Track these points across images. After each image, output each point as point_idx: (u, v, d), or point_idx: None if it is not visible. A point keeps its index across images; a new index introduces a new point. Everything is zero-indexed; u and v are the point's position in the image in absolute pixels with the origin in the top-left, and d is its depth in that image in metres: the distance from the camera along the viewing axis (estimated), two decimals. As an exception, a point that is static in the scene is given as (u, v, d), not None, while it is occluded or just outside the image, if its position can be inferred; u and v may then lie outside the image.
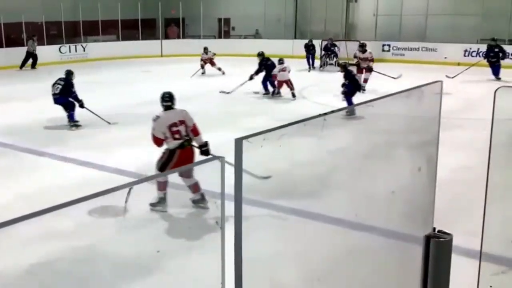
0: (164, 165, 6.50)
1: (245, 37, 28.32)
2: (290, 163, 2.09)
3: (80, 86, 17.20)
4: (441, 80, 2.70)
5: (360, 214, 2.10)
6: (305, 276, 2.24)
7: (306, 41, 22.07)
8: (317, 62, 21.34)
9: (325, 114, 1.99)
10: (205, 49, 20.49)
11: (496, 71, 17.85)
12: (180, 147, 6.41)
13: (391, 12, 25.03)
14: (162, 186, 6.45)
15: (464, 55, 22.57)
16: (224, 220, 1.71)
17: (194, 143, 6.54)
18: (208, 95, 15.35)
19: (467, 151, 9.03)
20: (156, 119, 6.55)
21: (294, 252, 2.32)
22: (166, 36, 28.85)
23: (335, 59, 21.37)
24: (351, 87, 12.23)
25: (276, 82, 15.10)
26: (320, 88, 17.01)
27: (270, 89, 15.28)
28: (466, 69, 17.02)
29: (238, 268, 1.50)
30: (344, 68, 12.70)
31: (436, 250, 2.07)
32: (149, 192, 6.31)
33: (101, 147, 9.82)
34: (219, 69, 20.00)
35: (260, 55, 15.68)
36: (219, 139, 6.56)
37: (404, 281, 2.16)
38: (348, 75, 12.46)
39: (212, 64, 20.06)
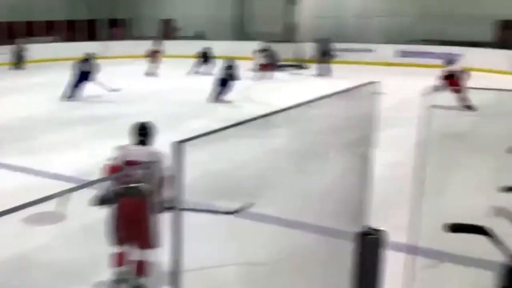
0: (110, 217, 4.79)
1: (191, 38, 28.10)
2: (230, 164, 2.10)
3: (24, 87, 16.81)
4: (378, 80, 2.77)
5: (298, 213, 2.13)
6: (245, 274, 2.25)
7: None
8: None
9: (264, 116, 2.00)
10: (155, 43, 20.60)
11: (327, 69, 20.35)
12: (126, 194, 4.69)
13: (330, 13, 25.40)
14: (118, 260, 4.75)
15: (400, 55, 23.22)
16: (161, 225, 1.71)
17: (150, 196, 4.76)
18: (150, 96, 15.20)
19: (400, 148, 9.17)
20: (120, 149, 5.04)
21: (234, 252, 2.33)
22: (111, 37, 28.29)
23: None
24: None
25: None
26: (262, 89, 17.15)
27: (86, 94, 14.58)
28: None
29: (176, 271, 1.50)
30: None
31: (369, 246, 2.10)
32: (87, 198, 5.66)
33: (39, 151, 9.41)
34: (155, 68, 19.83)
35: (88, 56, 14.95)
36: (161, 142, 6.26)
37: (339, 276, 2.20)
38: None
39: (156, 57, 19.83)
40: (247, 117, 1.97)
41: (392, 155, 8.51)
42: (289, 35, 26.57)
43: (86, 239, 5.51)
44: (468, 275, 4.40)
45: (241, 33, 28.14)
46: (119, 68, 21.31)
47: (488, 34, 22.29)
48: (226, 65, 15.21)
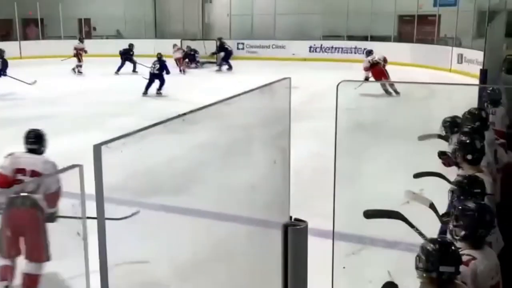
0: None
1: (107, 37, 27.32)
2: (154, 162, 2.01)
3: None
4: (291, 75, 2.76)
5: (224, 208, 2.08)
6: (176, 271, 2.18)
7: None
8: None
9: (184, 114, 1.95)
10: (79, 41, 20.03)
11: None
12: (15, 204, 4.29)
13: (243, 12, 25.52)
14: (3, 274, 4.33)
15: (310, 51, 23.69)
16: (86, 231, 1.59)
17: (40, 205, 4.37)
18: (74, 96, 14.65)
19: (317, 139, 9.32)
20: (7, 156, 4.67)
21: (163, 249, 2.25)
22: (25, 37, 26.95)
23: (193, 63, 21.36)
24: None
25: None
26: (183, 85, 17.00)
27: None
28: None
29: (104, 275, 1.40)
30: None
31: (294, 237, 2.12)
32: None
33: None
34: (80, 66, 19.17)
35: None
36: (84, 142, 5.96)
37: (268, 268, 2.19)
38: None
39: (80, 56, 19.15)
40: (174, 113, 1.92)
41: (312, 146, 8.62)
42: (205, 33, 26.50)
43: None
44: (391, 257, 4.51)
45: (158, 31, 27.73)
46: (41, 68, 20.37)
47: (390, 28, 23.15)
48: (156, 60, 15.26)
